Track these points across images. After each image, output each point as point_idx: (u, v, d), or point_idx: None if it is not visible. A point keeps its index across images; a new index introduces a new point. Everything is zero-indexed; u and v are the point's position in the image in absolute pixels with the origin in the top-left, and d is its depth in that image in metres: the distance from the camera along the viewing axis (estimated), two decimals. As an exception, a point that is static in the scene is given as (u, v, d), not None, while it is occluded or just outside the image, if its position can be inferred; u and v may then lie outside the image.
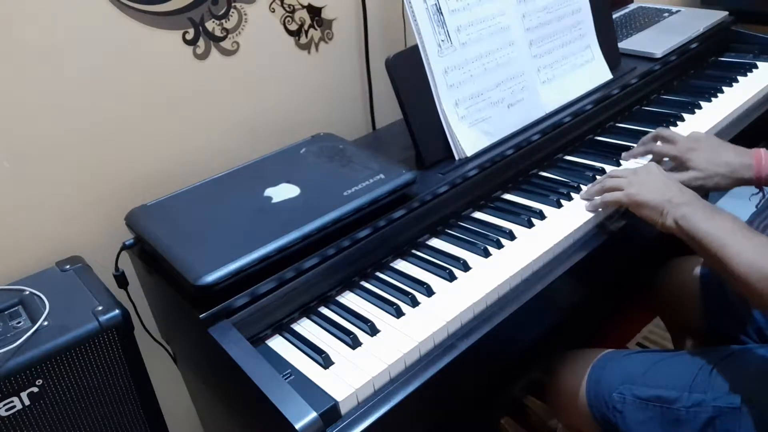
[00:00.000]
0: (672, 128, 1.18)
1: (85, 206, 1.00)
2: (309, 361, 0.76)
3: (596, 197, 0.96)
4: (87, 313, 0.81)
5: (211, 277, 0.75)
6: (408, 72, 1.00)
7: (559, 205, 0.99)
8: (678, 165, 1.01)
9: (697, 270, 1.10)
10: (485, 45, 1.07)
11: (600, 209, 0.96)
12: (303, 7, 1.17)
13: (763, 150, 0.95)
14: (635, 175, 0.92)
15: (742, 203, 1.08)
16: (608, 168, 1.07)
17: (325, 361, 0.74)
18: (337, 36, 1.23)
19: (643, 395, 0.88)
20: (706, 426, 0.82)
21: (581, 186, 1.03)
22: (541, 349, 1.04)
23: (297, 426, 0.64)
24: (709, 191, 1.00)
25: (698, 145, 0.99)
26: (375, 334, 0.78)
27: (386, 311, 0.82)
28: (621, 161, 1.09)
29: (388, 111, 1.30)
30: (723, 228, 0.78)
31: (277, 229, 0.81)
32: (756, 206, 1.08)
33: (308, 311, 0.85)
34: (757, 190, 1.00)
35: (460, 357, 0.76)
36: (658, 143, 1.05)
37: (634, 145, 1.13)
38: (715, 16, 1.48)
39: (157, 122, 1.04)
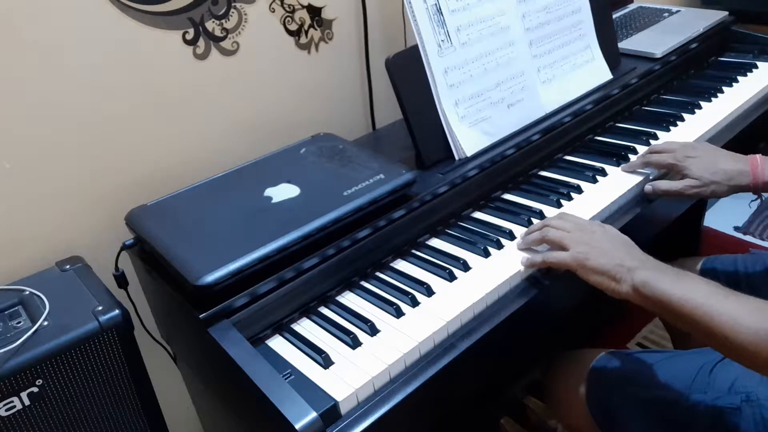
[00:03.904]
0: (671, 128, 1.18)
1: (85, 206, 1.00)
2: (309, 361, 0.76)
3: (536, 255, 0.86)
4: (87, 313, 0.81)
5: (211, 277, 0.75)
6: (408, 72, 1.00)
7: (559, 205, 0.99)
8: (674, 174, 1.00)
9: (698, 270, 1.10)
10: (485, 45, 1.07)
11: (538, 269, 0.86)
12: (303, 7, 1.17)
13: (759, 156, 0.94)
14: (580, 232, 0.83)
15: (742, 202, 1.07)
16: (608, 168, 1.07)
17: (325, 361, 0.74)
18: (337, 36, 1.23)
19: (643, 396, 0.88)
20: (706, 427, 0.82)
21: (581, 186, 1.03)
22: (541, 349, 1.04)
23: (297, 426, 0.64)
24: (706, 199, 0.99)
25: (695, 153, 0.98)
26: (375, 334, 0.78)
27: (386, 311, 0.82)
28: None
29: (388, 111, 1.30)
30: (699, 291, 0.71)
31: (277, 229, 0.81)
32: (755, 213, 1.08)
33: (308, 311, 0.85)
34: (756, 197, 0.99)
35: (460, 357, 0.76)
36: (655, 155, 1.03)
37: (634, 145, 1.13)
38: (715, 16, 1.48)
39: (157, 122, 1.04)
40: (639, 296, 0.76)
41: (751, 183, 0.94)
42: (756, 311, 0.67)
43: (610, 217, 0.97)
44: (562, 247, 0.82)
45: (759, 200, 1.00)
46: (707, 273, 1.08)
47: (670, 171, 1.02)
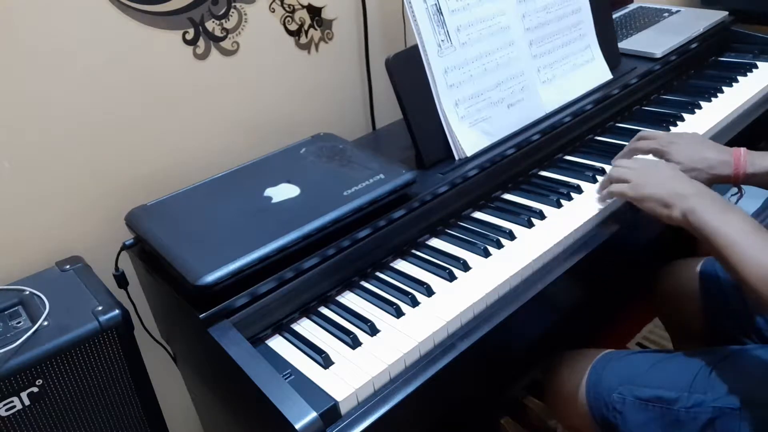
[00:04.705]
0: (671, 128, 1.18)
1: (85, 206, 1.00)
2: (309, 361, 0.76)
3: (604, 189, 0.97)
4: (87, 313, 0.81)
5: (211, 277, 0.75)
6: (408, 72, 1.00)
7: (559, 205, 0.99)
8: (659, 159, 1.01)
9: (697, 272, 1.10)
10: (485, 45, 1.07)
11: (608, 200, 0.97)
12: (303, 7, 1.17)
13: (743, 149, 0.94)
14: (643, 168, 0.92)
15: (742, 203, 1.07)
16: (608, 168, 1.07)
17: (325, 361, 0.74)
18: (337, 36, 1.23)
19: (643, 396, 0.88)
20: (706, 427, 0.82)
21: (581, 186, 1.03)
22: (541, 349, 1.04)
23: (297, 426, 0.64)
24: None
25: (679, 140, 0.98)
26: (375, 334, 0.78)
27: (386, 311, 0.82)
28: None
29: (388, 111, 1.30)
30: (734, 226, 0.76)
31: (277, 229, 0.81)
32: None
33: (308, 311, 0.85)
34: (737, 190, 0.99)
35: (460, 357, 0.76)
36: (641, 141, 1.04)
37: (634, 145, 1.13)
38: (715, 16, 1.48)
39: (157, 122, 1.04)
40: (686, 222, 0.81)
41: (732, 174, 0.94)
42: None
43: (609, 216, 0.97)
44: (625, 182, 0.91)
45: (739, 194, 1.00)
46: (707, 274, 1.08)
47: (655, 156, 1.01)
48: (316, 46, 1.21)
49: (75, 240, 0.99)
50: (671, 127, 1.18)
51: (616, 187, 0.93)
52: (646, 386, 0.88)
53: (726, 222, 0.77)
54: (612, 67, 1.26)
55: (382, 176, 0.90)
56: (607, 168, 1.07)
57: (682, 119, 1.21)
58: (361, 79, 1.30)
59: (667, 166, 0.92)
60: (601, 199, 0.97)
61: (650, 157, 1.03)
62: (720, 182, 0.96)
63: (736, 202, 1.01)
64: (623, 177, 0.92)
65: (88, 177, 0.99)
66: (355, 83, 1.30)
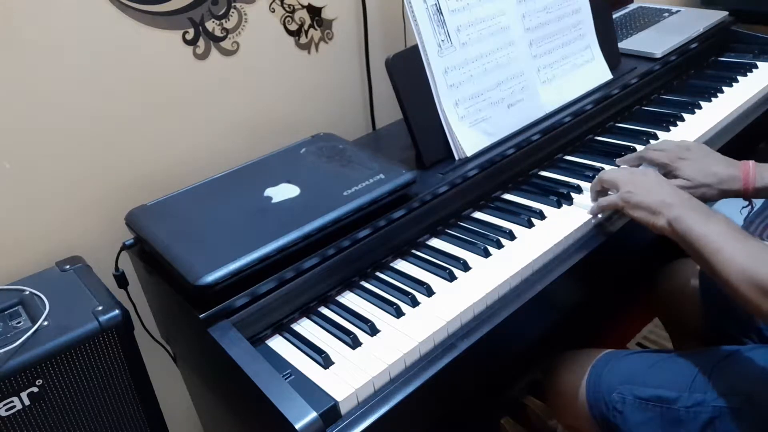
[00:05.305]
0: (671, 128, 1.18)
1: (85, 206, 1.00)
2: (309, 361, 0.76)
3: (594, 202, 0.96)
4: (87, 313, 0.81)
5: (210, 277, 0.75)
6: (408, 72, 1.00)
7: (559, 205, 0.99)
8: (666, 173, 1.01)
9: (697, 271, 1.10)
10: (485, 45, 1.07)
11: (599, 214, 0.96)
12: (303, 7, 1.17)
13: (751, 162, 0.94)
14: (631, 175, 0.92)
15: (734, 211, 1.07)
16: (608, 168, 1.07)
17: (325, 361, 0.74)
18: (337, 36, 1.23)
19: (643, 395, 0.88)
20: (706, 426, 0.82)
21: (581, 186, 1.03)
22: (541, 349, 1.04)
23: (297, 426, 0.64)
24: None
25: (689, 155, 0.98)
26: (375, 334, 0.78)
27: (386, 311, 0.82)
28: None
29: (388, 111, 1.30)
30: (717, 232, 0.77)
31: (277, 229, 0.81)
32: (744, 220, 1.07)
33: (308, 311, 0.85)
34: (747, 203, 0.99)
35: (460, 357, 0.76)
36: (651, 152, 1.04)
37: (635, 145, 1.13)
38: (715, 16, 1.48)
39: (157, 122, 1.04)
40: (672, 231, 0.82)
41: (741, 188, 0.94)
42: (752, 254, 0.73)
43: (610, 217, 0.97)
44: (615, 186, 0.91)
45: (750, 207, 1.00)
46: (706, 275, 1.08)
47: (662, 169, 1.01)
48: (316, 46, 1.21)
49: (75, 240, 0.99)
50: (671, 127, 1.18)
51: (605, 200, 0.93)
52: (646, 386, 0.89)
53: (710, 228, 0.78)
54: (612, 67, 1.26)
55: (382, 176, 0.90)
56: (608, 168, 1.07)
57: (682, 119, 1.21)
58: (361, 79, 1.30)
59: (654, 173, 0.92)
60: (592, 212, 0.96)
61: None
62: (729, 197, 0.96)
63: (747, 215, 1.01)
64: (614, 181, 0.92)
65: (88, 177, 0.99)
66: (355, 83, 1.30)
